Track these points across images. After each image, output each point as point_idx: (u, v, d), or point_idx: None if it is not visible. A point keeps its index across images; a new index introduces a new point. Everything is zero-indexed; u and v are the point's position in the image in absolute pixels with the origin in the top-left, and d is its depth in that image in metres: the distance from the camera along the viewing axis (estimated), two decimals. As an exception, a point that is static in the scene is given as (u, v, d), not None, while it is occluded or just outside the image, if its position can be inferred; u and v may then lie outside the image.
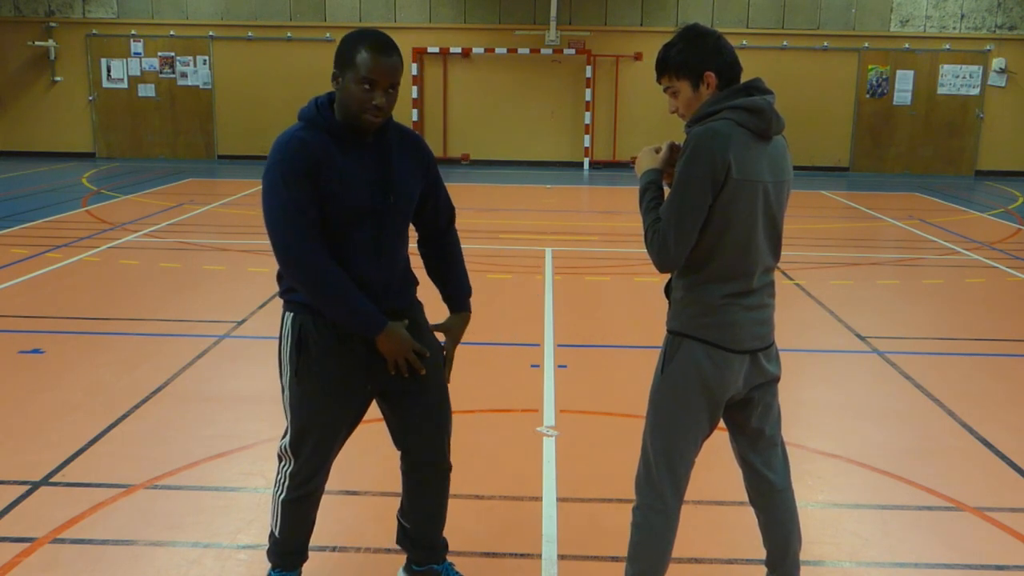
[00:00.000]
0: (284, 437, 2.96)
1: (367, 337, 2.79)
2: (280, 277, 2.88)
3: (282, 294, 2.88)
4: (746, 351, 2.70)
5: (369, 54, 2.64)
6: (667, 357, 2.76)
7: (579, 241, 10.48)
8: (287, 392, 2.89)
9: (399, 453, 3.12)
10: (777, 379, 2.86)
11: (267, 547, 3.13)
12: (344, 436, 3.00)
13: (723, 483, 3.97)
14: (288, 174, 2.66)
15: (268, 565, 3.14)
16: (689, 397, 2.72)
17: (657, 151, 2.80)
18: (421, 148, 2.93)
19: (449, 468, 3.15)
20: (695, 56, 2.65)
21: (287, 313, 2.86)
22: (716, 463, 3.72)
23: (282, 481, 2.98)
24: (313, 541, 3.54)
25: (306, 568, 3.17)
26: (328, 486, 3.88)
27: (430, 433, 3.03)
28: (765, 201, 2.65)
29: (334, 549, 3.53)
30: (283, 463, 2.98)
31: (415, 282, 3.00)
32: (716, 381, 2.70)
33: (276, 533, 3.05)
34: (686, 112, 2.72)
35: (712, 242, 2.62)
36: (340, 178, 2.70)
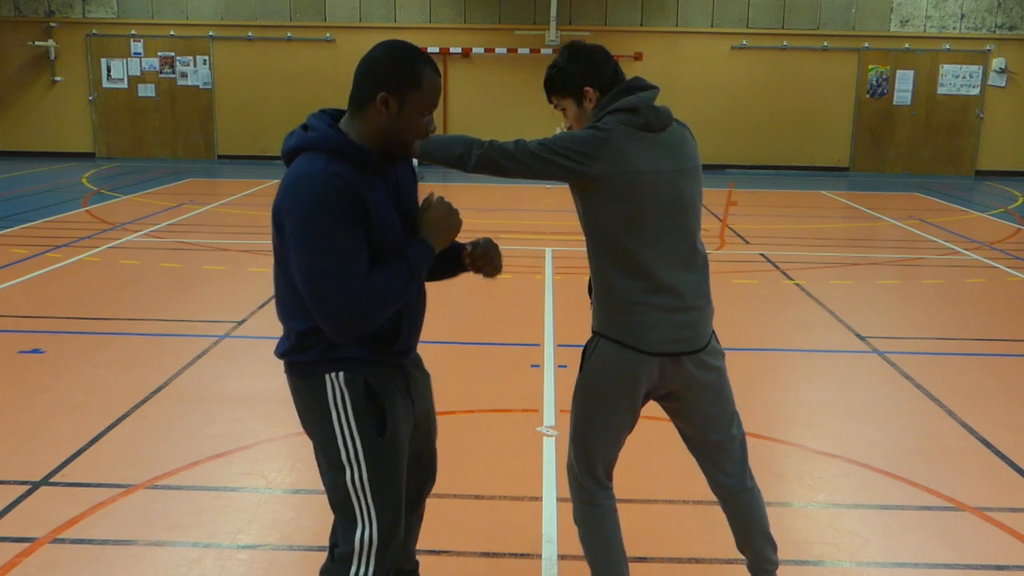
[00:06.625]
0: (356, 536, 2.35)
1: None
2: (308, 334, 2.33)
3: (321, 353, 2.33)
4: (661, 354, 2.68)
5: (436, 77, 2.33)
6: (585, 356, 2.80)
7: (579, 241, 10.41)
8: (360, 470, 2.33)
9: None
10: (713, 385, 2.79)
11: None
12: None
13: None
14: (340, 218, 2.20)
15: None
16: (604, 396, 2.76)
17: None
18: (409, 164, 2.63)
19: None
20: (574, 75, 2.76)
21: (335, 373, 2.33)
22: (716, 463, 3.72)
23: None
24: (313, 541, 3.55)
25: (307, 568, 3.15)
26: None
27: (431, 467, 2.79)
28: (668, 192, 2.65)
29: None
30: (358, 567, 2.36)
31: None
32: (629, 380, 2.70)
33: None
34: (576, 127, 2.79)
35: (612, 238, 2.66)
36: (380, 213, 2.30)
